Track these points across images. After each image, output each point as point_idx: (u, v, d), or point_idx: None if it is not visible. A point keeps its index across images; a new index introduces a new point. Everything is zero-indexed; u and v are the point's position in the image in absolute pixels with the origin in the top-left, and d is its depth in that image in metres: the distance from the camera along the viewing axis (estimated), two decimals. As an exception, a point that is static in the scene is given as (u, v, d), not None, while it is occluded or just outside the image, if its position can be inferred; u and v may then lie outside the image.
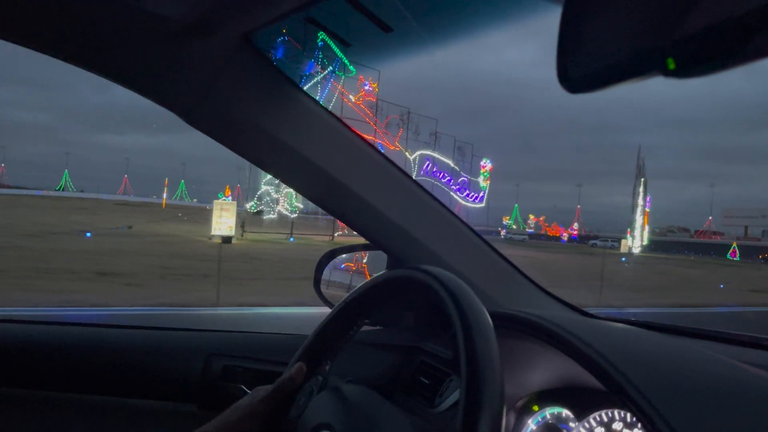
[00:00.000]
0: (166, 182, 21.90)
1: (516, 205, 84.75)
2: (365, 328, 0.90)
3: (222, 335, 1.32)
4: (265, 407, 0.81)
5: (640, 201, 46.96)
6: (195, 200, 21.81)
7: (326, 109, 1.07)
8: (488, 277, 1.19)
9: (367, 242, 1.26)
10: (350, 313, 0.85)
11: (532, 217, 79.10)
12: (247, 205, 25.62)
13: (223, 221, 20.32)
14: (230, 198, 25.81)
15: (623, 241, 47.03)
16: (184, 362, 1.24)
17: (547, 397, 0.96)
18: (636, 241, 45.91)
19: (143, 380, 1.23)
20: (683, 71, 0.25)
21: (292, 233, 24.29)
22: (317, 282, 1.33)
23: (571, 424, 0.91)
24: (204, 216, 25.99)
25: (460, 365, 0.59)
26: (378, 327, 1.33)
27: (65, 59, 0.95)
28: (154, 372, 1.24)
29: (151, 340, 1.29)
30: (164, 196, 21.70)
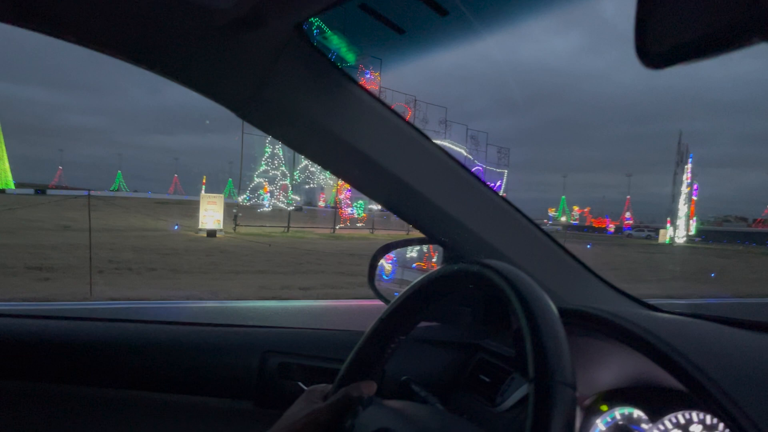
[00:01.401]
0: (204, 180, 22.60)
1: (563, 196, 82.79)
2: (421, 324, 0.88)
3: (277, 332, 1.34)
4: (327, 416, 0.80)
5: (684, 189, 44.67)
6: (243, 197, 23.13)
7: (380, 101, 1.07)
8: (550, 271, 1.18)
9: (423, 236, 1.26)
10: (407, 310, 0.84)
11: (576, 208, 77.36)
12: (240, 198, 25.47)
13: (210, 214, 20.45)
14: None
15: (662, 231, 45.64)
16: (241, 359, 1.28)
17: (616, 396, 0.94)
18: (680, 231, 44.71)
19: (201, 377, 1.27)
20: None
21: (288, 226, 23.77)
22: (371, 277, 1.35)
23: (644, 426, 0.89)
24: (247, 212, 26.53)
25: (528, 363, 0.58)
26: (434, 323, 1.34)
27: (119, 57, 0.97)
28: (212, 369, 1.27)
29: (207, 336, 1.32)
30: (202, 193, 22.00)
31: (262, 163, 25.53)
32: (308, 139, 1.09)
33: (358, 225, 28.49)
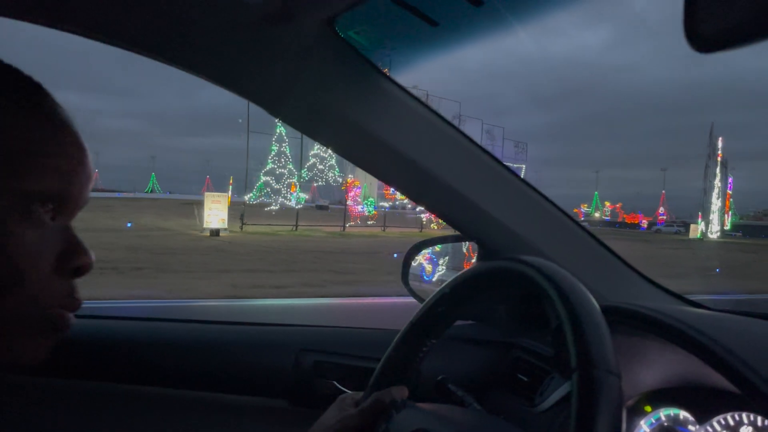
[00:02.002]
0: (231, 181, 23.08)
1: (596, 192, 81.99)
2: (456, 322, 0.88)
3: (312, 330, 1.36)
4: (358, 422, 0.81)
5: (718, 183, 43.64)
6: (249, 195, 23.98)
7: (413, 96, 1.07)
8: (589, 267, 1.18)
9: (457, 233, 1.27)
10: (442, 309, 0.84)
11: (607, 204, 76.24)
12: (246, 197, 25.75)
13: (215, 213, 20.60)
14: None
15: (692, 226, 44.72)
16: (276, 358, 1.29)
17: (660, 397, 0.91)
18: (713, 225, 43.94)
19: (236, 376, 1.29)
20: None
21: (297, 224, 24.05)
22: (405, 276, 1.35)
23: (690, 428, 0.87)
24: (258, 211, 27.05)
25: (569, 356, 0.58)
26: (469, 321, 1.35)
27: (150, 56, 0.99)
28: (247, 368, 1.29)
29: (243, 335, 1.35)
30: (228, 193, 22.62)
31: (269, 161, 25.57)
32: (339, 135, 1.10)
33: (369, 223, 28.37)
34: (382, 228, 28.13)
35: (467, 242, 1.35)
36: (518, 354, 1.19)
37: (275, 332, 1.36)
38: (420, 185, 1.14)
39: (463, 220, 1.19)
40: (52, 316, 0.55)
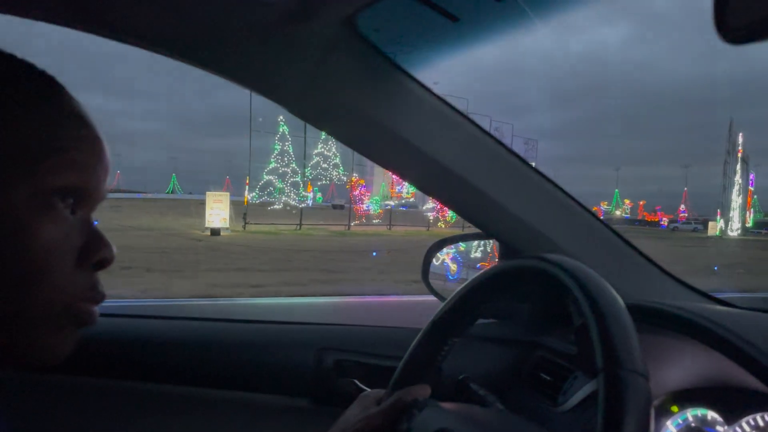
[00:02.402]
0: (248, 181, 23.33)
1: (616, 190, 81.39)
2: (478, 320, 0.89)
3: (332, 329, 1.38)
4: (380, 421, 0.82)
5: (738, 179, 42.97)
6: (252, 194, 24.50)
7: (435, 94, 1.09)
8: (613, 264, 1.18)
9: (478, 231, 1.28)
10: (463, 308, 0.85)
11: (627, 201, 75.57)
12: (248, 196, 25.86)
13: (216, 213, 20.90)
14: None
15: (710, 224, 44.29)
16: (296, 356, 1.31)
17: (687, 397, 0.91)
18: (733, 223, 43.49)
19: (257, 374, 1.31)
20: None
21: (301, 223, 23.62)
22: (425, 273, 1.36)
23: (719, 428, 0.87)
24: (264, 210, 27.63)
25: (596, 362, 0.57)
26: (491, 320, 1.35)
27: (170, 56, 1.00)
28: (268, 366, 1.31)
29: (263, 333, 1.37)
30: (245, 194, 24.32)
31: (271, 160, 25.73)
32: (361, 134, 1.11)
33: (374, 221, 28.08)
34: (388, 227, 27.84)
35: (489, 240, 1.36)
36: (540, 353, 1.19)
37: (295, 331, 1.38)
38: (441, 183, 1.15)
39: (484, 217, 1.19)
40: (77, 309, 0.56)
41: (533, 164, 1.19)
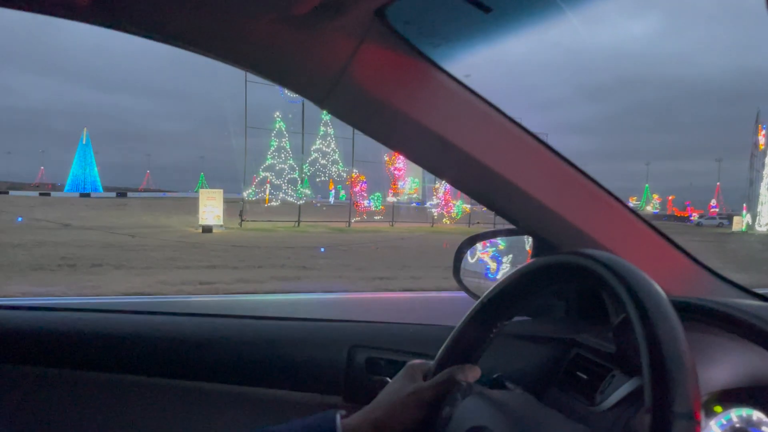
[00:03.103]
0: (267, 180, 23.42)
1: (647, 185, 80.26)
2: (513, 318, 0.91)
3: (363, 326, 1.41)
4: (431, 395, 0.83)
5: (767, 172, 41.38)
6: (319, 195, 25.18)
7: (467, 87, 1.08)
8: (653, 261, 1.16)
9: (512, 227, 1.29)
10: (499, 306, 0.86)
11: (655, 196, 74.48)
12: (245, 193, 26.12)
13: (210, 210, 21.26)
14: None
15: (736, 219, 43.50)
16: (328, 354, 1.33)
17: (731, 396, 0.90)
18: (762, 217, 42.64)
19: (289, 372, 1.34)
20: None
21: (299, 220, 23.49)
22: (457, 271, 1.37)
23: (765, 429, 0.86)
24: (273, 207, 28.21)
25: (642, 361, 0.57)
26: (525, 317, 1.37)
27: (201, 52, 1.02)
28: (300, 363, 1.34)
29: (295, 331, 1.40)
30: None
31: (268, 156, 25.88)
32: (391, 129, 1.12)
33: (376, 218, 27.94)
34: (391, 223, 27.59)
35: (526, 237, 1.36)
36: (577, 351, 1.18)
37: (327, 328, 1.41)
38: (473, 178, 1.15)
39: (518, 213, 1.19)
40: None
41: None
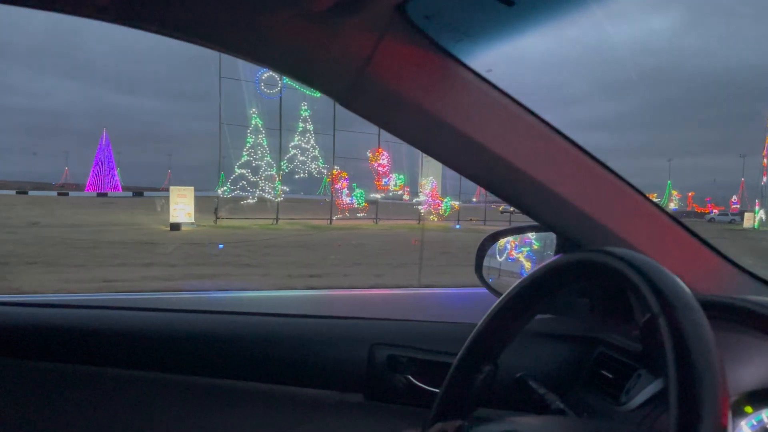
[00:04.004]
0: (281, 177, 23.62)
1: (669, 181, 79.89)
2: (536, 316, 0.93)
3: (385, 324, 1.41)
4: None
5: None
6: (302, 192, 25.53)
7: (489, 82, 1.10)
8: (680, 258, 1.16)
9: (534, 223, 1.29)
10: (522, 303, 0.86)
11: (675, 193, 74.20)
12: (220, 191, 26.25)
13: (181, 208, 21.46)
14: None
15: (746, 215, 43.65)
16: (350, 351, 1.35)
17: (762, 397, 0.90)
18: None
19: (310, 369, 1.35)
20: None
21: (277, 218, 23.48)
22: (479, 267, 1.38)
23: None
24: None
25: (667, 361, 0.57)
26: (549, 315, 1.36)
27: (222, 50, 1.05)
28: (321, 361, 1.35)
29: (316, 328, 1.41)
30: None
31: (244, 153, 25.71)
32: (412, 126, 1.13)
33: (359, 215, 27.74)
34: (375, 220, 27.21)
35: (549, 233, 1.38)
36: (601, 349, 1.20)
37: (348, 325, 1.42)
38: (496, 174, 1.16)
39: (542, 209, 1.20)
40: None
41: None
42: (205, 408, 1.36)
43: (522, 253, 1.46)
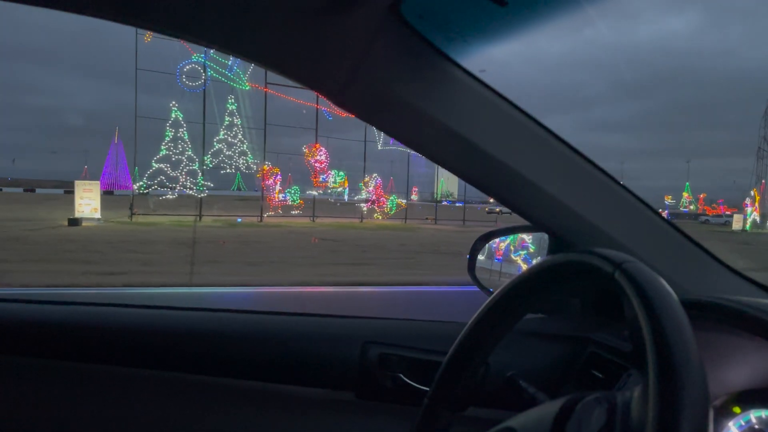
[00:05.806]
0: (290, 179, 23.16)
1: (687, 183, 78.62)
2: (527, 315, 0.95)
3: (377, 322, 1.46)
4: None
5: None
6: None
7: (482, 82, 1.15)
8: (670, 259, 1.20)
9: (528, 223, 1.34)
10: (512, 302, 0.87)
11: (686, 194, 72.36)
12: (135, 186, 25.80)
13: (86, 203, 21.71)
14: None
15: (735, 217, 42.86)
16: (341, 350, 1.39)
17: (750, 397, 0.90)
18: None
19: (302, 367, 1.39)
20: None
21: (200, 214, 23.33)
22: (472, 267, 1.39)
23: None
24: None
25: (648, 360, 0.58)
26: (540, 315, 1.40)
27: (215, 47, 1.07)
28: (312, 359, 1.39)
29: (308, 326, 1.45)
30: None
31: (162, 148, 25.42)
32: (404, 124, 1.17)
33: (293, 212, 26.81)
34: (312, 218, 26.32)
35: (541, 233, 1.44)
36: (592, 349, 1.25)
37: (340, 324, 1.47)
38: (488, 174, 1.21)
39: (534, 210, 1.26)
40: None
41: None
42: (195, 405, 1.38)
43: (519, 256, 1.50)
